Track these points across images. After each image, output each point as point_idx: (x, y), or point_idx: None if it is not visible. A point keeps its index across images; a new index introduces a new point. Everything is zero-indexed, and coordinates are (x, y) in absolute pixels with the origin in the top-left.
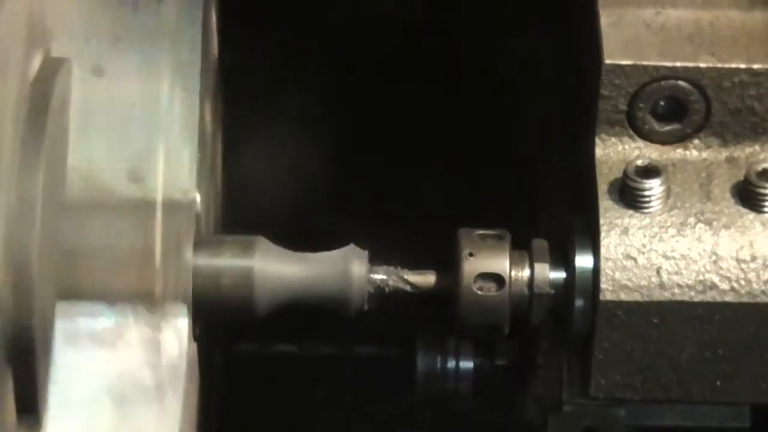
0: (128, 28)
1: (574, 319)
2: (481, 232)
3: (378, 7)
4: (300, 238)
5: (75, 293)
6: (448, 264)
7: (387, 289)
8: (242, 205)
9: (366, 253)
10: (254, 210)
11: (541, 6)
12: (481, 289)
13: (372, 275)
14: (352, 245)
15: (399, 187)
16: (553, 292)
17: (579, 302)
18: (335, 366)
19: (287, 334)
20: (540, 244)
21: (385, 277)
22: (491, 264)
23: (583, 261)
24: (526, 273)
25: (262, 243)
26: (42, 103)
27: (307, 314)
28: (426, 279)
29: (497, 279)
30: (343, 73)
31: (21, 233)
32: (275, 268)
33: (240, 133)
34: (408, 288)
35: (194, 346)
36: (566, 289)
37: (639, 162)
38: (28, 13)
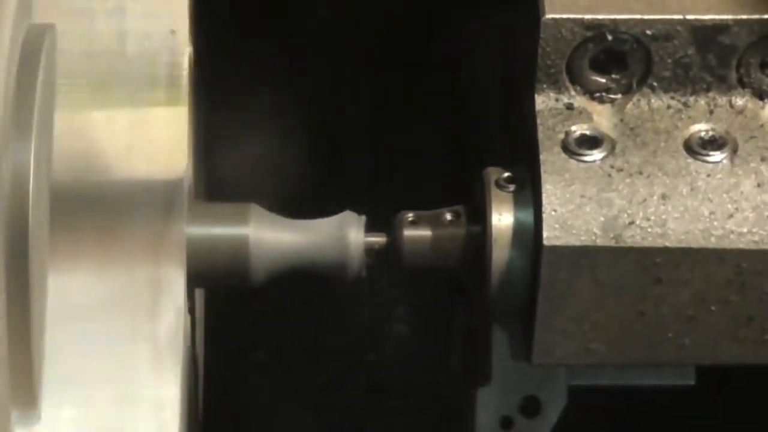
0: None
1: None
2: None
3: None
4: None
5: (69, 264)
6: None
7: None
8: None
9: (363, 218)
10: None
11: None
12: None
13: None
14: (347, 211)
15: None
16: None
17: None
18: None
19: None
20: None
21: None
22: None
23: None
24: None
25: (256, 210)
26: (32, 62)
27: None
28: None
29: None
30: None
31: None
32: (271, 236)
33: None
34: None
35: (189, 318)
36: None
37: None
38: None
